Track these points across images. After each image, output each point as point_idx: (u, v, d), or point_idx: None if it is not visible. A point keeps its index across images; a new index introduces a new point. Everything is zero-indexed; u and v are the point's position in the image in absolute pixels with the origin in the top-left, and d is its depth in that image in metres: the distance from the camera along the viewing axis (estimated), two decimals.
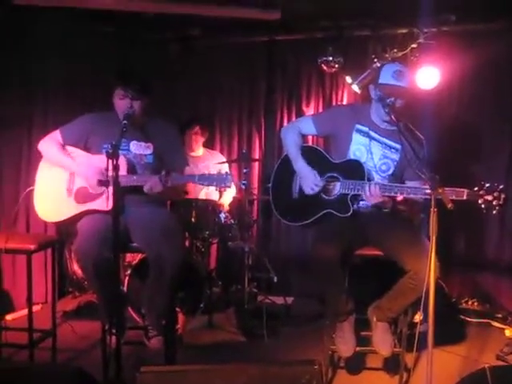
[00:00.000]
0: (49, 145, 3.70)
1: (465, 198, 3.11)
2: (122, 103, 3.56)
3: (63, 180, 3.67)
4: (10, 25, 4.75)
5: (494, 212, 3.10)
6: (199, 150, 5.54)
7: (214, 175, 3.33)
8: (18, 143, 5.03)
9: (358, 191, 3.42)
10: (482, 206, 3.10)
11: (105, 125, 3.68)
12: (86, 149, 3.70)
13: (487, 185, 3.10)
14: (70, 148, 3.70)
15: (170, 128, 3.89)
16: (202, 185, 3.42)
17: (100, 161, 3.49)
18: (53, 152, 3.67)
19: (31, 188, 3.76)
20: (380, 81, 3.54)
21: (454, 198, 3.04)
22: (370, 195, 3.34)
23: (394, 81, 3.48)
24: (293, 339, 4.50)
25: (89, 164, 3.61)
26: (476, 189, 3.11)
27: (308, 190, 3.59)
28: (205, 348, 4.29)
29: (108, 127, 3.62)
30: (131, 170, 3.55)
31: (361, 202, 3.57)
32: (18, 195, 4.75)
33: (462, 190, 3.11)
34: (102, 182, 3.36)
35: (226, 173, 3.34)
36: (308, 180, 3.59)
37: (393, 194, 3.33)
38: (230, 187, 3.51)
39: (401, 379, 3.63)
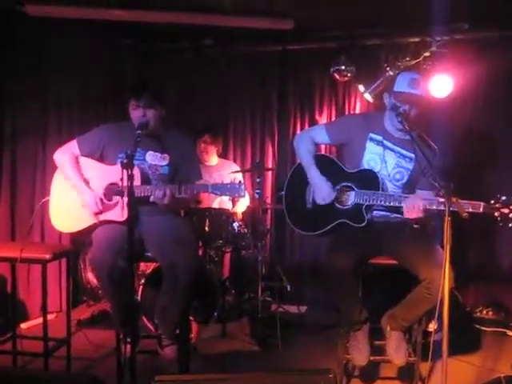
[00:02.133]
0: (63, 156, 3.70)
1: (481, 210, 3.11)
2: (135, 113, 3.58)
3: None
4: (26, 36, 4.80)
5: (511, 225, 3.09)
6: (213, 159, 5.55)
7: (227, 185, 3.34)
8: (33, 154, 5.07)
9: (372, 201, 3.41)
10: (498, 218, 3.10)
11: (120, 135, 3.69)
12: (102, 158, 3.71)
13: (503, 198, 3.10)
14: (83, 159, 3.70)
15: (186, 140, 3.90)
16: (216, 194, 3.43)
17: (113, 172, 3.52)
18: (66, 166, 3.67)
19: (46, 199, 3.78)
20: (395, 89, 3.53)
21: (470, 210, 3.03)
22: (413, 209, 3.28)
23: (410, 89, 3.47)
24: (307, 348, 4.49)
25: (101, 177, 3.62)
26: (492, 202, 3.11)
27: (319, 201, 3.58)
28: (218, 357, 4.29)
29: (123, 137, 3.63)
30: (145, 180, 3.56)
31: (374, 212, 3.56)
32: (33, 205, 4.80)
33: (478, 203, 3.10)
34: (118, 193, 3.38)
35: (240, 182, 3.34)
36: (321, 191, 3.58)
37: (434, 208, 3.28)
38: (243, 197, 3.51)
39: None
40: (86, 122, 5.25)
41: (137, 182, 3.37)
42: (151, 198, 3.40)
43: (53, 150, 3.82)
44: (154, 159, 3.67)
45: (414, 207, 3.27)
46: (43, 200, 3.79)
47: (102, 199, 3.53)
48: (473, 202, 3.10)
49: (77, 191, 3.63)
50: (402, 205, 3.33)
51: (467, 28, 5.03)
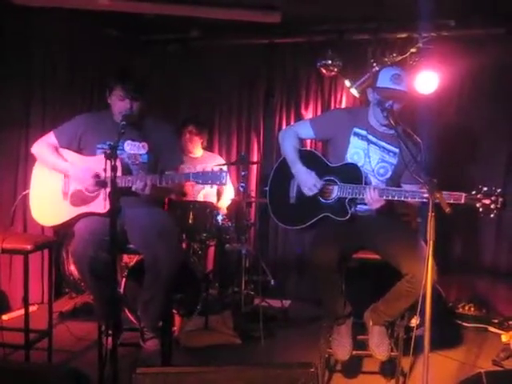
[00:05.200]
0: (42, 147, 3.68)
1: (463, 201, 3.11)
2: (121, 104, 3.55)
3: (58, 183, 3.65)
4: (10, 25, 4.75)
5: (492, 216, 3.10)
6: (197, 151, 5.53)
7: (209, 172, 3.29)
8: (15, 144, 5.02)
9: (355, 195, 3.42)
10: (480, 209, 3.10)
11: (98, 125, 3.67)
12: (80, 149, 3.68)
13: (485, 188, 3.10)
14: (63, 151, 3.68)
15: (164, 126, 3.88)
16: (197, 183, 3.39)
17: (94, 162, 3.50)
18: (46, 155, 3.65)
19: (26, 192, 3.75)
20: (378, 84, 3.54)
21: (451, 201, 3.04)
22: (371, 199, 3.33)
23: (393, 84, 3.47)
24: (289, 342, 4.50)
25: (83, 166, 3.59)
26: (474, 193, 3.11)
27: (307, 191, 3.57)
28: (201, 350, 4.27)
29: (101, 127, 3.62)
30: (126, 170, 3.54)
31: (358, 206, 3.57)
32: (16, 196, 4.75)
33: (459, 193, 3.11)
34: (100, 183, 3.35)
35: (221, 169, 3.30)
36: (307, 181, 3.58)
37: (391, 198, 3.32)
38: (224, 184, 3.47)
39: (397, 383, 3.62)
40: (69, 113, 5.14)
41: (118, 172, 3.35)
42: (133, 188, 3.38)
43: (35, 140, 3.79)
44: (133, 148, 3.65)
45: (371, 198, 3.31)
46: (23, 193, 3.76)
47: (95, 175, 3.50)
48: (454, 192, 3.11)
49: (63, 173, 3.61)
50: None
51: (454, 25, 5.04)
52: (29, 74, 5.04)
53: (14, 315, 4.73)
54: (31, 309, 4.10)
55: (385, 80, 3.50)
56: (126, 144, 3.64)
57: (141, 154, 3.66)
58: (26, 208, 4.70)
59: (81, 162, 3.62)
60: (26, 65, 4.99)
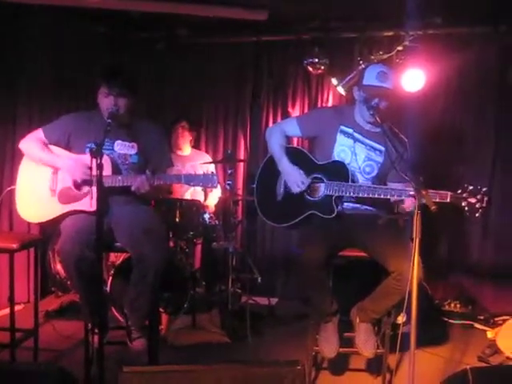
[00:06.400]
0: (31, 142, 3.65)
1: (448, 200, 3.12)
2: (106, 101, 3.53)
3: (46, 180, 3.62)
4: None
5: (477, 215, 3.11)
6: (187, 149, 5.54)
7: (200, 175, 3.34)
8: (2, 141, 4.99)
9: (342, 193, 3.42)
10: (466, 208, 3.11)
11: (88, 124, 3.65)
12: (68, 148, 3.65)
13: (471, 187, 3.11)
14: (52, 147, 3.65)
15: (155, 128, 3.87)
16: (189, 185, 3.42)
17: (83, 160, 3.48)
18: (35, 150, 3.62)
19: (12, 187, 3.73)
20: (364, 82, 3.54)
21: (437, 200, 3.05)
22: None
23: (378, 82, 3.48)
24: (276, 340, 4.51)
25: (74, 157, 3.58)
26: (459, 191, 3.13)
27: (295, 188, 3.57)
28: (188, 348, 4.27)
29: (91, 126, 3.60)
30: (115, 170, 3.53)
31: (345, 204, 3.57)
32: (1, 194, 4.72)
33: (445, 192, 3.13)
34: (87, 182, 3.34)
35: (212, 173, 3.36)
36: (294, 177, 3.58)
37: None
38: (216, 187, 3.51)
39: (383, 380, 3.63)
40: (57, 110, 5.17)
41: (107, 171, 3.34)
42: (132, 188, 3.38)
43: (22, 137, 3.75)
44: (123, 148, 3.64)
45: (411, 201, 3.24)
46: (8, 189, 3.73)
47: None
48: (440, 191, 3.12)
49: (53, 166, 3.59)
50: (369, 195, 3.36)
51: (440, 23, 5.06)
52: (15, 72, 5.00)
53: (0, 314, 4.70)
54: (17, 308, 4.08)
55: (371, 78, 3.51)
56: (115, 144, 3.63)
57: (131, 155, 3.65)
58: (12, 205, 4.68)
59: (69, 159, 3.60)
60: (12, 62, 4.94)
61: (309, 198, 3.57)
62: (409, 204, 3.29)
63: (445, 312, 5.03)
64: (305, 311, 4.13)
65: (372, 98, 3.44)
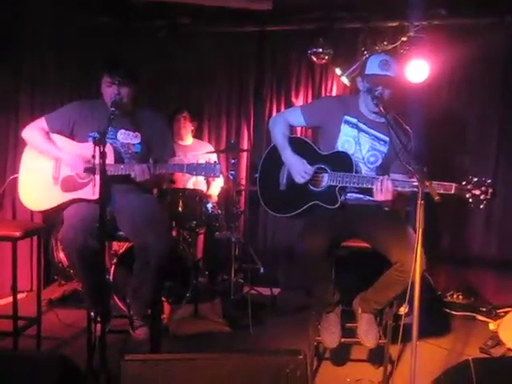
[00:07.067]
0: (33, 132, 3.66)
1: (453, 192, 3.11)
2: (109, 90, 3.54)
3: (49, 168, 3.63)
4: None
5: (482, 206, 3.10)
6: (188, 139, 5.53)
7: (203, 165, 3.34)
8: (4, 129, 4.99)
9: (345, 183, 3.41)
10: (470, 200, 3.10)
11: (91, 113, 3.66)
12: (72, 137, 3.66)
13: (475, 179, 3.10)
14: (54, 136, 3.66)
15: (158, 118, 3.87)
16: (191, 174, 3.42)
17: (86, 149, 3.47)
18: (38, 139, 3.63)
19: (15, 176, 3.73)
20: (366, 71, 3.53)
21: (441, 191, 3.04)
22: (382, 191, 3.27)
23: (381, 70, 3.46)
24: (278, 330, 4.51)
25: (75, 152, 3.58)
26: (464, 183, 3.11)
27: (299, 178, 3.55)
28: (190, 338, 4.29)
29: (95, 115, 3.61)
30: (118, 159, 3.53)
31: (348, 194, 3.57)
32: (5, 182, 4.73)
33: (449, 184, 3.11)
34: (89, 169, 3.34)
35: (215, 162, 3.35)
36: (298, 168, 3.56)
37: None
38: (218, 177, 3.51)
39: (385, 371, 3.63)
40: (59, 99, 5.17)
41: (110, 160, 3.34)
42: (132, 175, 3.38)
43: (25, 125, 3.76)
44: (126, 138, 3.64)
45: (382, 189, 3.27)
46: (11, 177, 3.73)
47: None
48: (444, 183, 3.11)
49: (55, 158, 3.60)
50: (373, 186, 3.34)
51: (445, 14, 5.03)
52: (17, 61, 5.00)
53: (3, 302, 4.72)
54: (20, 296, 4.08)
55: (373, 67, 3.49)
56: (119, 133, 3.63)
57: (134, 144, 3.66)
58: (15, 193, 4.68)
59: (72, 148, 3.60)
60: (14, 52, 4.94)
61: (312, 188, 3.56)
62: (374, 193, 3.28)
63: (447, 303, 5.03)
64: (307, 301, 4.12)
65: (375, 86, 3.43)
